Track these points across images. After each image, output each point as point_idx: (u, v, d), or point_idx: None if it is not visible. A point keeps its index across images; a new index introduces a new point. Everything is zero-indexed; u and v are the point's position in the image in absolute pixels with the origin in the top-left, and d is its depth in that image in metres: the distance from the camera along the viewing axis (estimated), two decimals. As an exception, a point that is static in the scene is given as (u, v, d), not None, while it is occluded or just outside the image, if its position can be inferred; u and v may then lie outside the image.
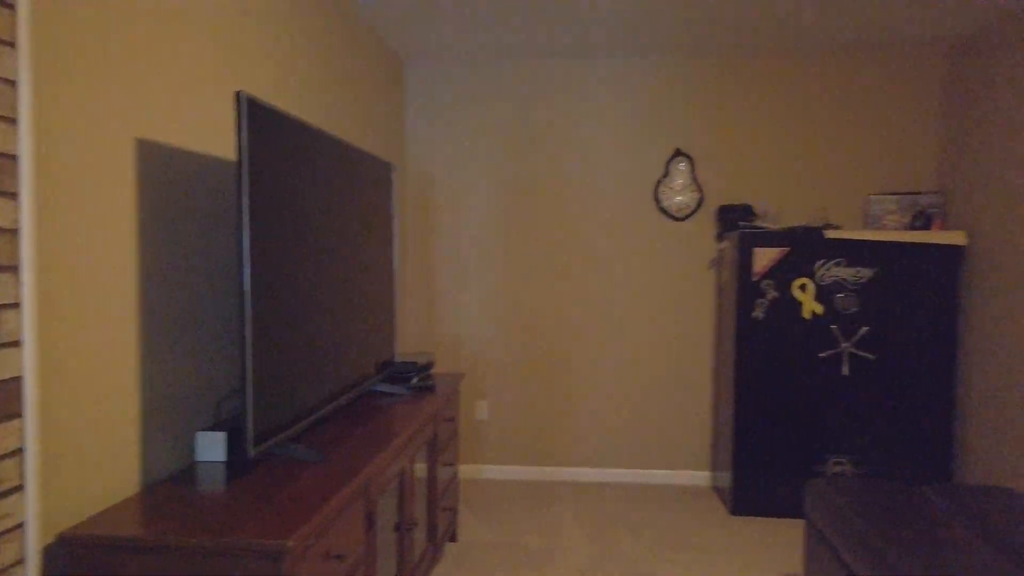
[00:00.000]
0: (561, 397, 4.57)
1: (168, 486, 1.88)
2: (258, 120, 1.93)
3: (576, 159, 4.47)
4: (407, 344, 4.61)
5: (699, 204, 4.40)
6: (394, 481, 2.46)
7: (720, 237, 4.37)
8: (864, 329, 3.86)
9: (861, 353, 3.88)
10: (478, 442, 4.64)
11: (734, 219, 4.20)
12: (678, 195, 4.42)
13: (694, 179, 4.40)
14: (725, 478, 4.12)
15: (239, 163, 1.85)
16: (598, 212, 4.48)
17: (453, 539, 3.61)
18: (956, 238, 3.78)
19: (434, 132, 4.54)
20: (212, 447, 2.08)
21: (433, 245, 4.59)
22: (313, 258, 2.31)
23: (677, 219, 4.43)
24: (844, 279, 3.87)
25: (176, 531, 1.58)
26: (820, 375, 3.91)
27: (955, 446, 3.97)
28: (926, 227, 3.92)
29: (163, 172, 1.99)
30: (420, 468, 2.88)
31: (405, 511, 2.59)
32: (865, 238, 3.83)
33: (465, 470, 4.65)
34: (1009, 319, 3.49)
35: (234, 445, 2.13)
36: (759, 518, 3.96)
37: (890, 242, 3.83)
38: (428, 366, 3.50)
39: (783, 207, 4.36)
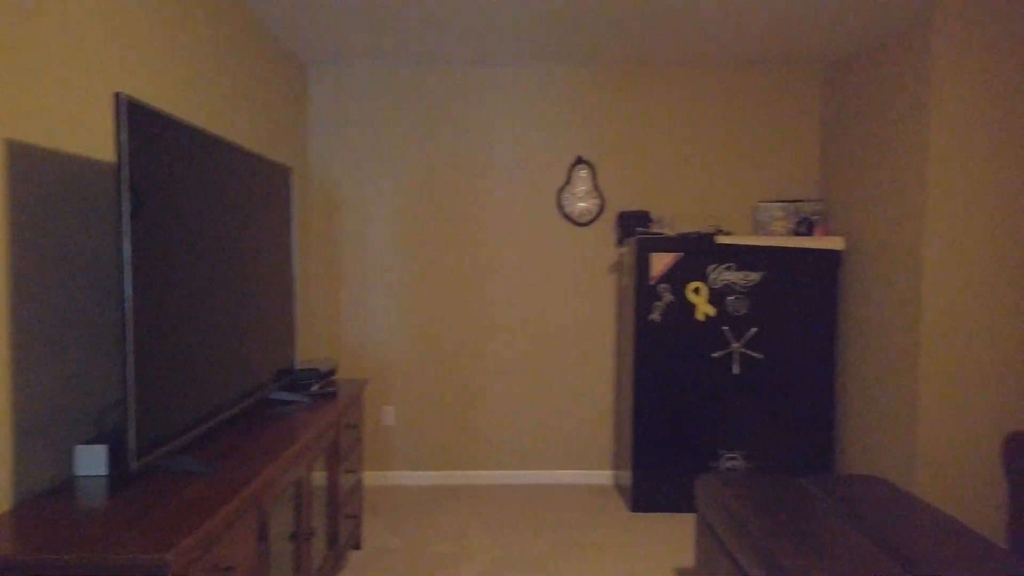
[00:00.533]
0: (468, 401, 4.60)
1: (43, 502, 1.81)
2: (139, 122, 1.88)
3: (481, 165, 4.52)
4: (312, 351, 4.54)
5: (600, 210, 4.53)
6: (290, 490, 2.43)
7: (620, 243, 4.51)
8: (753, 330, 4.07)
9: (750, 353, 4.08)
10: (385, 448, 4.61)
11: (633, 225, 4.34)
12: (580, 202, 4.53)
13: (595, 186, 4.52)
14: (626, 477, 4.25)
15: (119, 166, 1.79)
16: (503, 218, 4.54)
17: (357, 546, 3.58)
18: (835, 243, 4.03)
19: (338, 137, 4.50)
20: (92, 461, 2.00)
21: (338, 250, 4.54)
22: (201, 264, 2.26)
23: (579, 225, 4.54)
24: (734, 282, 4.06)
25: (49, 548, 1.52)
26: (713, 375, 4.08)
27: (835, 439, 4.23)
28: (809, 233, 4.16)
29: (37, 175, 1.91)
30: (321, 476, 2.85)
31: (302, 520, 2.55)
32: (753, 243, 4.04)
33: (371, 477, 4.62)
34: (881, 319, 3.75)
35: (117, 458, 2.05)
36: (658, 514, 4.10)
37: (776, 247, 4.04)
38: (330, 373, 3.46)
39: (679, 214, 4.54)
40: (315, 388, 3.25)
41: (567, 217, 4.54)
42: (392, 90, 4.48)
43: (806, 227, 4.15)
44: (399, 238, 4.53)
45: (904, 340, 3.52)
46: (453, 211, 4.53)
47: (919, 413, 3.41)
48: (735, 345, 4.07)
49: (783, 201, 4.29)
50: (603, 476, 4.64)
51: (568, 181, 4.52)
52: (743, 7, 3.39)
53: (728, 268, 4.06)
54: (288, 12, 3.50)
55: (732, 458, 4.12)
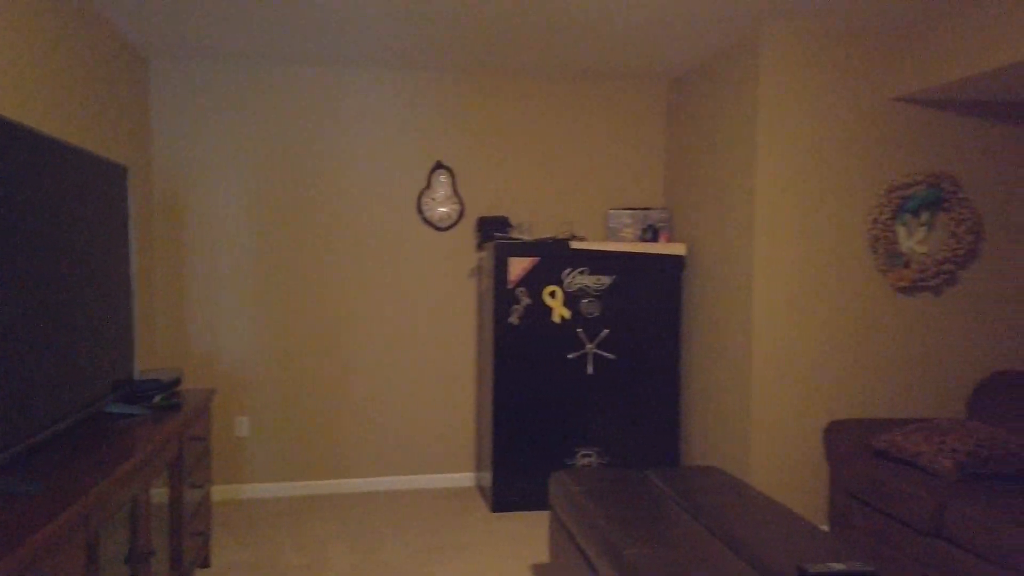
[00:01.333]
0: (328, 409, 4.51)
1: None
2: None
3: (340, 168, 4.45)
4: (157, 360, 4.29)
5: (460, 215, 4.58)
6: (126, 508, 2.29)
7: (480, 247, 4.58)
8: (605, 331, 4.25)
9: (603, 353, 4.26)
10: (238, 460, 4.43)
11: (492, 230, 4.42)
12: (440, 206, 4.56)
13: (455, 191, 4.56)
14: (487, 478, 4.31)
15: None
16: (363, 222, 4.49)
17: (205, 564, 3.42)
18: (678, 249, 4.29)
19: (186, 136, 4.28)
20: None
21: (185, 254, 4.32)
22: (15, 266, 2.10)
23: (440, 229, 4.57)
24: (588, 286, 4.23)
25: None
26: (569, 375, 4.23)
27: (681, 433, 4.49)
28: (655, 239, 4.40)
29: None
30: (163, 492, 2.70)
31: (140, 540, 2.42)
32: (604, 249, 4.22)
33: (223, 491, 4.42)
34: (719, 320, 4.03)
35: (-82, 483, 1.86)
36: (519, 513, 4.19)
37: (625, 252, 4.25)
38: (174, 383, 3.29)
39: (536, 219, 4.67)
40: (157, 399, 3.08)
41: (427, 222, 4.55)
42: (243, 87, 4.32)
43: (652, 234, 4.39)
44: (253, 241, 4.38)
45: (738, 340, 3.81)
46: (311, 214, 4.43)
47: (752, 406, 3.69)
48: (589, 346, 4.24)
49: (632, 208, 4.51)
50: (466, 478, 4.69)
51: (428, 186, 4.54)
52: (593, 24, 3.55)
53: (582, 272, 4.22)
54: (125, 1, 3.31)
55: (587, 455, 4.28)
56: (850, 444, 3.51)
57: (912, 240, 3.66)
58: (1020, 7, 2.88)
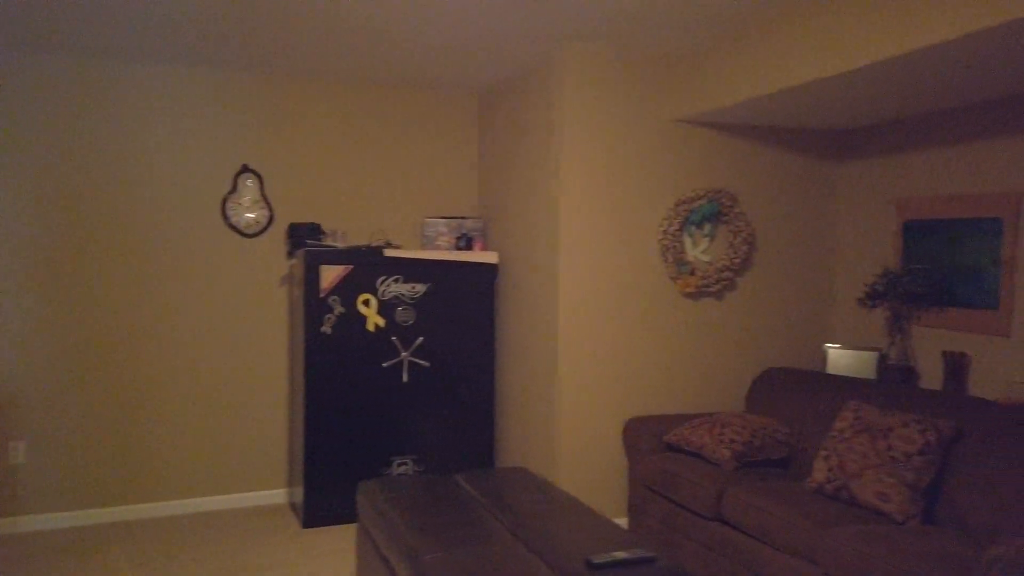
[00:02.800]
0: (122, 428, 4.17)
1: None
2: None
3: (134, 170, 4.14)
4: (-94, 383, 3.76)
5: (269, 221, 4.42)
6: None
7: (291, 255, 4.44)
8: (420, 339, 4.27)
9: (418, 361, 4.27)
10: (13, 491, 3.98)
11: (303, 237, 4.30)
12: (247, 212, 4.37)
13: (263, 196, 4.40)
14: (298, 493, 4.18)
15: None
16: (161, 227, 4.20)
17: (-35, 611, 3.04)
18: (491, 257, 4.40)
19: (-57, 127, 3.80)
20: None
21: (-56, 262, 3.83)
22: None
23: (248, 236, 4.38)
24: (402, 294, 4.23)
25: None
26: (384, 384, 4.20)
27: (496, 437, 4.60)
28: (469, 247, 4.49)
29: None
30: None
31: None
32: (419, 257, 4.25)
33: (-6, 526, 3.95)
34: (528, 326, 4.18)
35: None
36: (332, 527, 4.09)
37: (440, 260, 4.30)
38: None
39: (352, 227, 4.60)
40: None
41: (234, 228, 4.35)
42: (26, 78, 3.91)
43: (466, 242, 4.47)
44: (37, 248, 3.96)
45: (546, 344, 3.97)
46: (101, 218, 4.08)
47: (558, 408, 3.85)
48: (404, 354, 4.24)
49: (447, 217, 4.57)
50: (278, 495, 4.51)
51: (234, 190, 4.34)
52: (403, 35, 3.56)
53: (397, 280, 4.21)
54: None
55: (403, 463, 4.27)
56: (646, 440, 3.76)
57: (697, 250, 4.00)
58: (774, 46, 3.24)
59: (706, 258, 4.02)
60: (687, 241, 3.98)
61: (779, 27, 3.25)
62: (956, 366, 3.49)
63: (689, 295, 4.02)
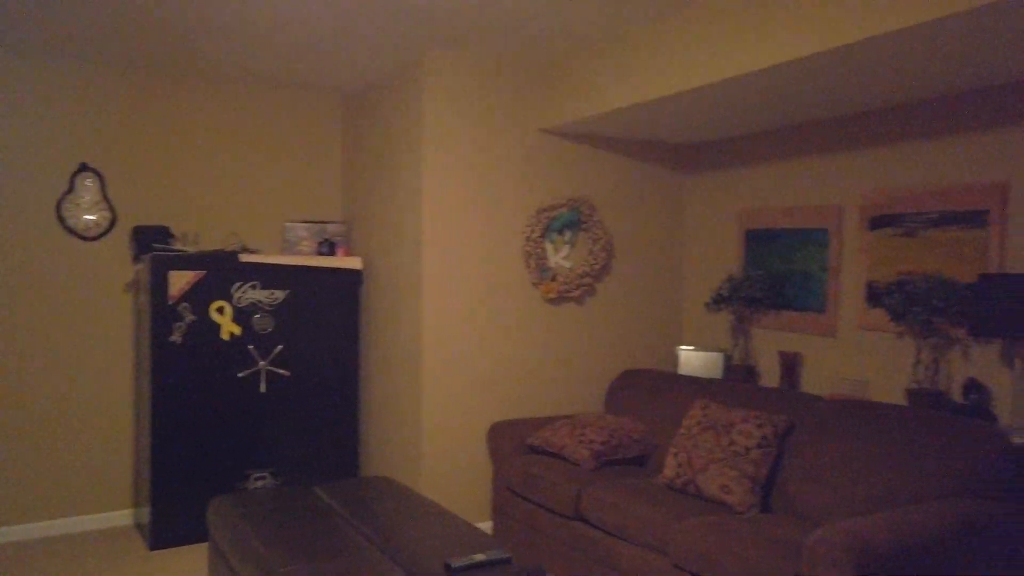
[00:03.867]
0: (-67, 452, 3.75)
1: None
2: None
3: (-50, 165, 3.75)
4: None
5: (112, 224, 4.12)
6: None
7: (136, 259, 4.16)
8: (279, 347, 4.12)
9: (277, 370, 4.12)
10: None
11: (150, 241, 4.05)
12: (87, 213, 4.06)
13: (105, 197, 4.10)
14: (145, 513, 3.92)
15: None
16: (-17, 229, 3.83)
17: None
18: (355, 263, 4.32)
19: None
20: None
21: None
22: None
23: (87, 239, 4.07)
24: (260, 301, 4.07)
25: None
26: (240, 394, 4.02)
27: (360, 447, 4.52)
28: (332, 253, 4.39)
29: None
30: None
31: None
32: (277, 262, 4.10)
33: None
34: (394, 333, 4.14)
35: None
36: (183, 548, 3.87)
37: (301, 266, 4.17)
38: None
39: (206, 231, 4.38)
40: None
41: (71, 230, 4.03)
42: None
43: (329, 247, 4.37)
44: None
45: (411, 350, 3.94)
46: (-92, 218, 3.67)
47: (423, 415, 3.84)
48: (262, 363, 4.08)
49: (309, 222, 4.45)
50: (123, 516, 4.21)
51: (71, 190, 4.02)
52: (265, 32, 3.44)
53: (254, 287, 4.05)
54: None
55: (261, 477, 4.11)
56: (510, 443, 3.82)
57: (558, 256, 4.11)
58: (630, 63, 3.40)
59: (567, 264, 4.14)
60: (549, 248, 4.08)
61: (635, 44, 3.41)
62: (790, 365, 3.78)
63: (551, 300, 4.12)
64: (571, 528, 3.32)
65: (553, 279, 4.07)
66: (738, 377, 3.98)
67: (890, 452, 2.78)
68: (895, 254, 3.39)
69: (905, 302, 3.15)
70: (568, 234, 4.13)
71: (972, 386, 3.04)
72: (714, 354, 4.07)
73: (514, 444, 3.81)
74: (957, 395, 3.16)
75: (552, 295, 4.06)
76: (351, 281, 4.33)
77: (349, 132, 4.71)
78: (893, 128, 3.43)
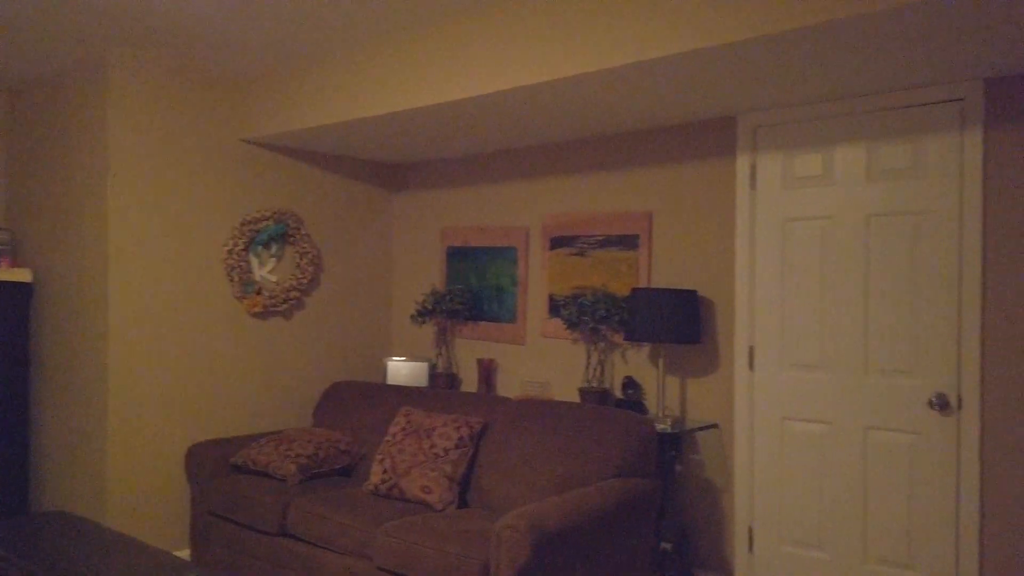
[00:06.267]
0: None
1: None
2: None
3: None
4: None
5: None
6: None
7: None
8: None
9: (-82, 401, 3.50)
10: None
11: None
12: None
13: None
14: None
15: None
16: None
17: None
18: (23, 275, 3.83)
19: None
20: None
21: None
22: None
23: None
24: None
25: None
26: None
27: (30, 481, 4.00)
28: (-7, 264, 3.84)
29: None
30: None
31: None
32: (-81, 274, 3.49)
33: None
34: (73, 351, 3.74)
35: None
36: None
37: (-50, 279, 3.59)
38: None
39: None
40: None
41: None
42: None
43: (-10, 257, 3.82)
44: None
45: (94, 371, 3.60)
46: None
47: (108, 442, 3.52)
48: None
49: (-38, 227, 3.85)
50: None
51: None
52: None
53: None
54: None
55: None
56: (211, 464, 3.66)
57: (264, 270, 4.04)
58: (322, 85, 3.49)
59: (273, 278, 4.08)
60: (254, 261, 4.00)
61: (334, 66, 3.51)
62: (487, 371, 4.13)
63: (257, 315, 4.04)
64: (277, 545, 3.29)
65: (258, 293, 3.99)
66: (442, 384, 4.25)
67: (564, 443, 3.19)
68: (570, 271, 3.89)
69: (577, 313, 3.64)
70: (275, 247, 4.09)
71: (629, 383, 3.61)
72: (420, 364, 4.30)
73: (215, 465, 3.66)
74: (619, 391, 3.72)
75: (257, 309, 3.98)
76: (19, 295, 3.83)
77: (14, 131, 4.16)
78: (569, 160, 3.94)
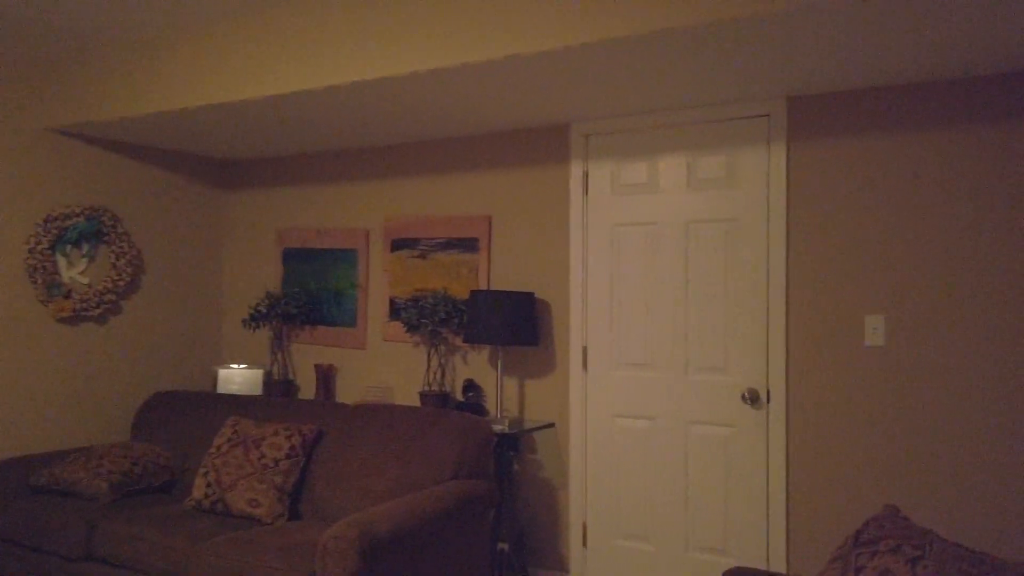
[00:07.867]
0: None
1: None
2: None
3: None
4: None
5: None
6: None
7: None
8: None
9: None
10: None
11: None
12: None
13: None
14: None
15: None
16: None
17: None
18: None
19: None
20: None
21: None
22: None
23: None
24: None
25: None
26: None
27: None
28: None
29: None
30: None
31: None
32: None
33: None
34: None
35: None
36: None
37: None
38: None
39: None
40: None
41: None
42: None
43: None
44: None
45: None
46: None
47: None
48: None
49: None
50: None
51: None
52: None
53: None
54: None
55: None
56: (6, 486, 3.29)
57: (74, 271, 3.69)
58: (131, 74, 3.25)
59: (85, 280, 3.74)
60: (62, 261, 3.64)
61: (144, 54, 3.27)
62: (326, 377, 3.99)
63: (65, 320, 3.68)
64: (83, 571, 3.00)
65: (67, 296, 3.64)
66: (278, 392, 4.06)
67: (401, 448, 3.14)
68: (412, 273, 3.85)
69: (418, 315, 3.60)
70: (86, 247, 3.75)
71: (469, 386, 3.61)
72: (254, 371, 4.09)
73: (13, 487, 3.30)
74: (460, 394, 3.71)
75: (66, 314, 3.63)
76: None
77: None
78: (411, 162, 3.90)
